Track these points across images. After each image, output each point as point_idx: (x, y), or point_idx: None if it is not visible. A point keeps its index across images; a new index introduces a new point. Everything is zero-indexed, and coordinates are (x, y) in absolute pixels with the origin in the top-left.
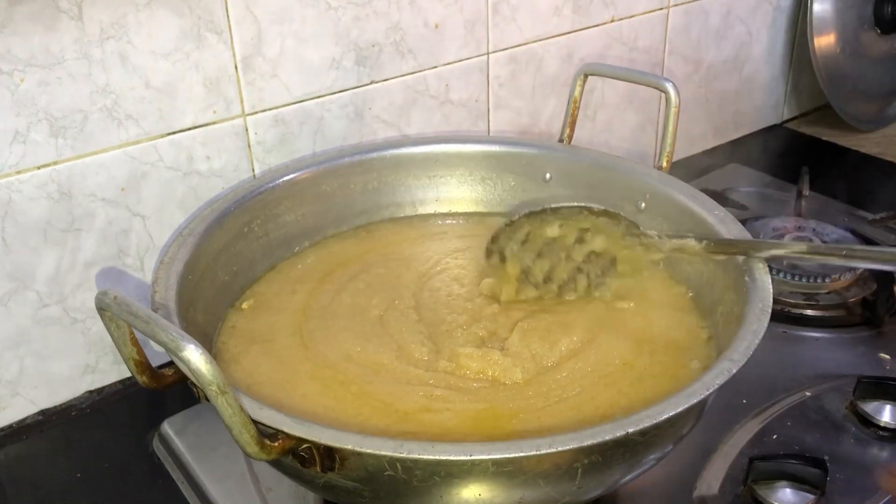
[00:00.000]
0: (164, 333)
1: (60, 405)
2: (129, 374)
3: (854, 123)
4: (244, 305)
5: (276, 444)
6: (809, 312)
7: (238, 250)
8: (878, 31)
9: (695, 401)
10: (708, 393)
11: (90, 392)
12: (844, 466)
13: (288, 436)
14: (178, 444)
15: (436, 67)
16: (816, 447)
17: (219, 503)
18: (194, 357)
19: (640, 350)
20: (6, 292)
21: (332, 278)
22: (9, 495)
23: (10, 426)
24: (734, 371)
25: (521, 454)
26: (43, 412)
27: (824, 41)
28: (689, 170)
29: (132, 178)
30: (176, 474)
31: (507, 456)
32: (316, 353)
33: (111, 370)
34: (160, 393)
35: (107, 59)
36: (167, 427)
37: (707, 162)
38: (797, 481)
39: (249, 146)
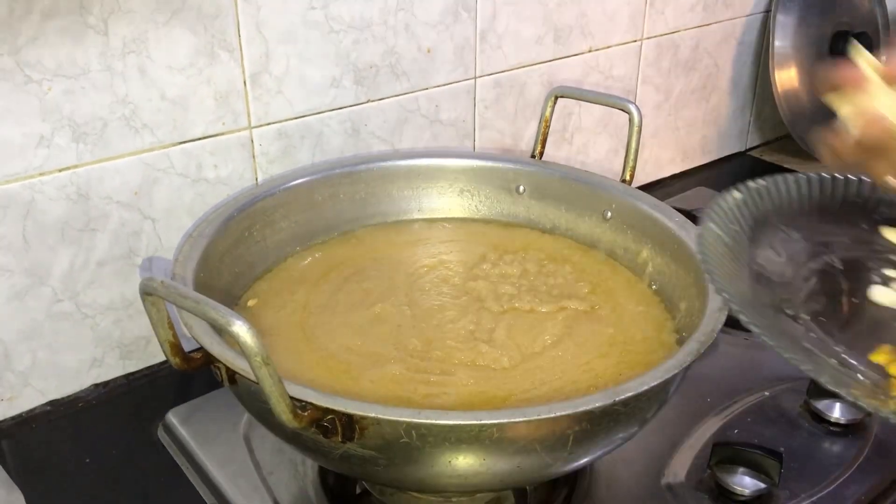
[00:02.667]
0: (215, 311)
1: (68, 397)
2: (133, 370)
3: (813, 153)
4: (249, 303)
5: (306, 414)
6: None
7: (239, 253)
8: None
9: (670, 375)
10: (681, 368)
11: (96, 385)
12: (798, 458)
13: (316, 407)
14: (183, 432)
15: (427, 89)
16: (773, 440)
17: (223, 486)
18: (243, 331)
19: (614, 340)
20: (23, 287)
21: (328, 279)
22: (19, 481)
23: (20, 415)
24: (702, 350)
25: (524, 419)
26: (51, 403)
27: (785, 75)
28: (659, 192)
29: (145, 183)
30: (181, 460)
31: (512, 420)
32: (319, 345)
33: (116, 365)
34: (162, 389)
35: (127, 71)
36: (172, 417)
37: (676, 185)
38: (755, 469)
39: (254, 157)
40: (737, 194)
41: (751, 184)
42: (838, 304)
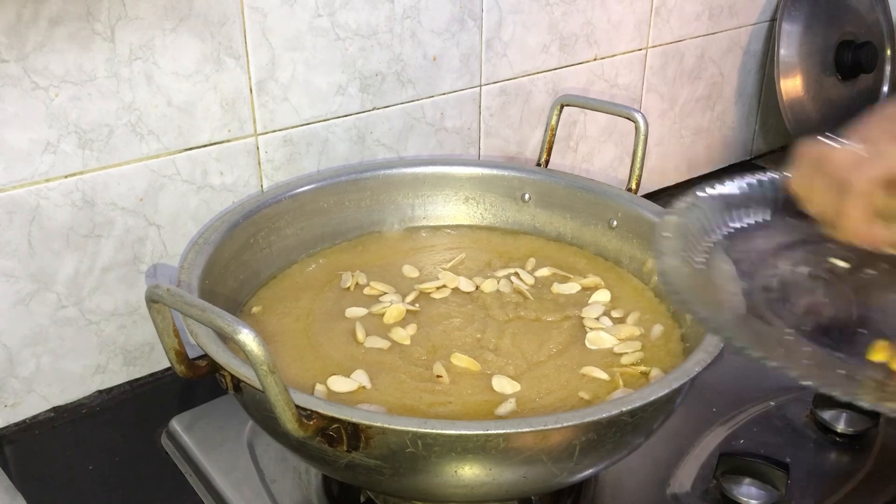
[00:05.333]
0: (221, 319)
1: (71, 403)
2: (136, 376)
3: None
4: (254, 310)
5: (311, 422)
6: None
7: (244, 260)
8: (839, 76)
9: (677, 385)
10: (688, 379)
11: (100, 392)
12: (805, 468)
13: (321, 416)
14: (186, 439)
15: (432, 97)
16: (779, 450)
17: (226, 494)
18: (249, 339)
19: (620, 348)
20: (29, 293)
21: (332, 286)
22: (22, 487)
23: (23, 421)
24: (709, 361)
25: (530, 429)
26: (55, 409)
27: (790, 84)
28: (664, 201)
29: (150, 190)
30: (184, 467)
31: (519, 431)
32: (323, 353)
33: (120, 371)
34: (165, 396)
35: (134, 78)
36: (175, 424)
37: (680, 194)
38: (761, 479)
39: (259, 164)
40: (671, 218)
41: (679, 204)
42: (807, 308)
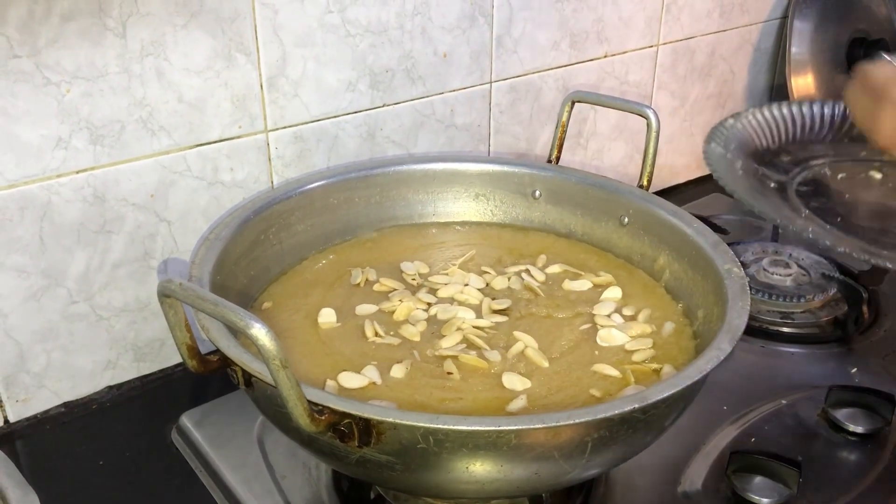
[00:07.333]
0: (233, 314)
1: (82, 398)
2: (146, 372)
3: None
4: (264, 306)
5: (323, 418)
6: (785, 330)
7: (255, 256)
8: (851, 74)
9: (689, 382)
10: (700, 376)
11: (110, 387)
12: (817, 467)
13: (333, 411)
14: (197, 435)
15: (442, 94)
16: (791, 449)
17: (236, 490)
18: (261, 334)
19: (631, 345)
20: (39, 288)
21: (342, 282)
22: (33, 482)
23: (34, 416)
24: (721, 358)
25: (543, 425)
26: (66, 404)
27: (801, 82)
28: (675, 198)
29: (161, 186)
30: (194, 463)
31: (531, 427)
32: (334, 349)
33: (130, 367)
34: (175, 391)
35: (145, 74)
36: (185, 420)
37: (691, 191)
38: (773, 478)
39: (270, 160)
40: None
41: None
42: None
